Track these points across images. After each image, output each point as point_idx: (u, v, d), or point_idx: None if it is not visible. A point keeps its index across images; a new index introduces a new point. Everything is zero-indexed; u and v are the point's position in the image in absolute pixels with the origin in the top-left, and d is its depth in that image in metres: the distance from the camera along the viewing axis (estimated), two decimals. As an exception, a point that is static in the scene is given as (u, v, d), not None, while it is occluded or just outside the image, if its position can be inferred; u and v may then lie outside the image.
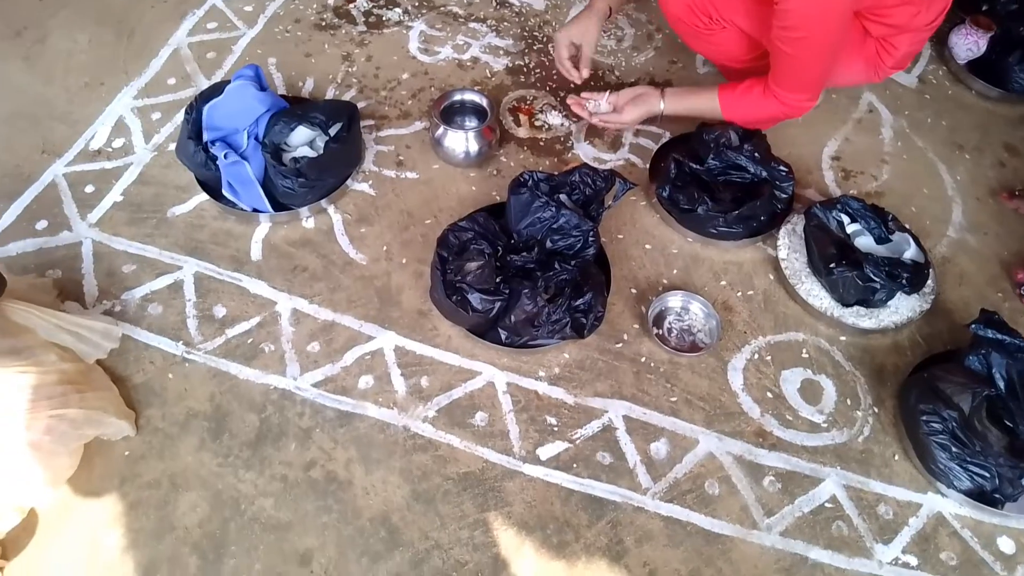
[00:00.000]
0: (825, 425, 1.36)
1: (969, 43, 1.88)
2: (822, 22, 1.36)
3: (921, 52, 1.99)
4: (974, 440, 1.22)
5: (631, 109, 1.66)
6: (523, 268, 1.43)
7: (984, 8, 2.00)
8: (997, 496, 1.24)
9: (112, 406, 1.27)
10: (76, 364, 1.27)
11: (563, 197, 1.50)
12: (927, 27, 1.56)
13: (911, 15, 1.51)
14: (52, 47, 1.94)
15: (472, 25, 2.03)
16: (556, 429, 1.34)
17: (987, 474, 1.22)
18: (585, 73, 1.71)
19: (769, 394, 1.39)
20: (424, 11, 2.06)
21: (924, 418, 1.26)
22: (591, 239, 1.44)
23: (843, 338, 1.46)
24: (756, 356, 1.44)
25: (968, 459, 1.23)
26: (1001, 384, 1.27)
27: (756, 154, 1.57)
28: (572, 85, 1.78)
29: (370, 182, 1.68)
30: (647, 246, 1.60)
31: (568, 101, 1.72)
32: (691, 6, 1.58)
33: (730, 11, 1.55)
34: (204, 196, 1.60)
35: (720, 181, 1.60)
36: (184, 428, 1.32)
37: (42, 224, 1.57)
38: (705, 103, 1.64)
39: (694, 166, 1.61)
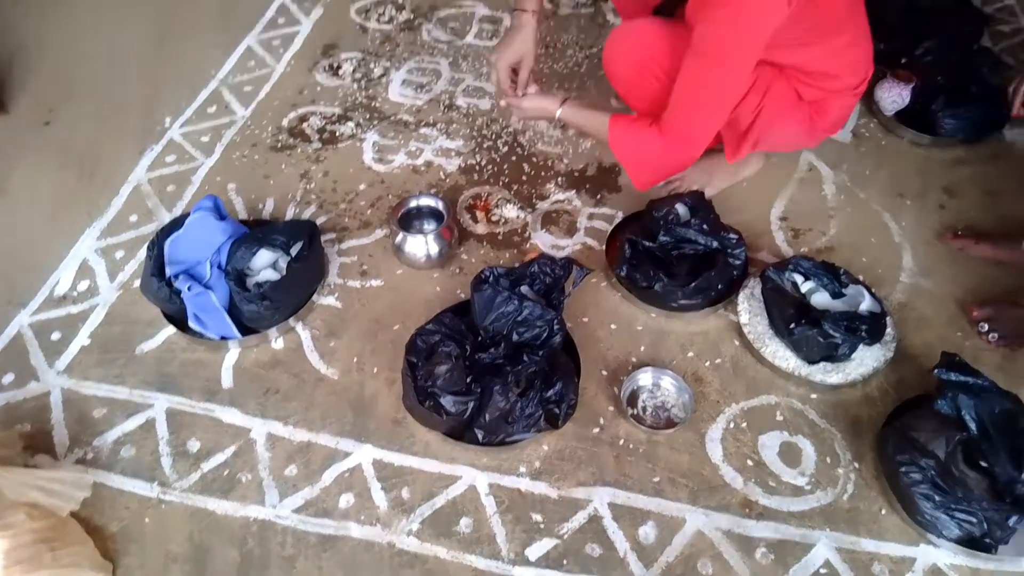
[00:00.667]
0: (809, 487, 1.35)
1: (893, 95, 1.98)
2: (733, 45, 1.40)
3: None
4: (954, 487, 1.23)
5: (532, 99, 1.70)
6: (492, 364, 1.44)
7: (903, 61, 2.11)
8: (988, 541, 1.23)
9: (87, 560, 1.24)
10: (48, 520, 1.25)
11: (524, 289, 1.53)
12: (852, 92, 1.65)
13: (833, 79, 1.60)
14: (14, 197, 1.98)
15: (423, 130, 2.10)
16: (542, 526, 1.32)
17: (974, 519, 1.22)
18: (532, 90, 1.71)
19: (749, 462, 1.39)
20: (376, 122, 2.14)
21: (903, 469, 1.27)
22: (556, 327, 1.46)
23: (814, 396, 1.48)
24: (732, 424, 1.45)
25: (952, 506, 1.23)
26: (973, 426, 1.28)
27: (704, 226, 1.62)
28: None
29: (336, 294, 1.71)
30: (613, 326, 1.62)
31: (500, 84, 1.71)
32: (638, 67, 1.61)
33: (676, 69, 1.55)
34: (172, 329, 1.61)
35: (674, 255, 1.65)
36: (164, 573, 1.29)
37: (8, 378, 1.57)
38: (598, 124, 1.66)
39: (647, 243, 1.65)
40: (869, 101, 2.06)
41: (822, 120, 1.69)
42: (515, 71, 1.69)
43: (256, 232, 1.67)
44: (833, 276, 1.54)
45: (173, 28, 2.51)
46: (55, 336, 1.64)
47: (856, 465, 1.38)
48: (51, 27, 2.54)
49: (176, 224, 1.65)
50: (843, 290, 1.54)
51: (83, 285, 1.75)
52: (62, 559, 1.19)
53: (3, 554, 1.13)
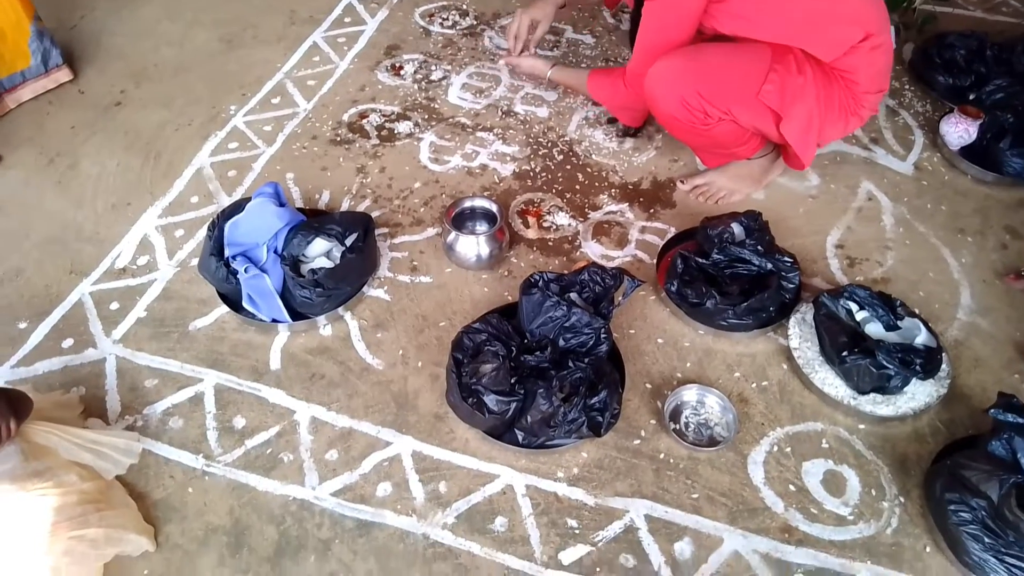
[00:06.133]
0: (851, 518, 1.33)
1: (960, 131, 1.95)
2: None
3: (915, 140, 2.06)
4: (1006, 530, 1.19)
5: (529, 59, 2.06)
6: (537, 368, 1.44)
7: (971, 97, 2.08)
8: (1038, 588, 1.20)
9: (131, 523, 1.27)
10: (96, 482, 1.28)
11: (573, 296, 1.53)
12: (869, 47, 1.63)
13: (836, 38, 1.62)
14: (83, 172, 2.04)
15: (480, 134, 2.13)
16: (577, 532, 1.32)
17: (1024, 565, 1.19)
18: (531, 50, 2.07)
19: (792, 487, 1.37)
20: (433, 123, 2.17)
21: (952, 507, 1.24)
22: (603, 336, 1.46)
23: (862, 427, 1.45)
24: (776, 448, 1.43)
25: (1003, 550, 1.20)
26: (1028, 470, 1.25)
27: (759, 247, 1.61)
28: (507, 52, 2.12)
29: (385, 288, 1.73)
30: (659, 340, 1.62)
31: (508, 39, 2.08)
32: (686, 105, 1.65)
33: (724, 103, 1.63)
34: (225, 309, 1.64)
35: (727, 274, 1.63)
36: (203, 544, 1.31)
37: (68, 342, 1.62)
38: (580, 78, 1.96)
39: (700, 260, 1.65)
40: (934, 135, 2.03)
41: (856, 87, 1.68)
42: (531, 31, 2.05)
43: (313, 221, 1.70)
44: (889, 308, 1.52)
45: (242, 30, 2.58)
46: (113, 306, 1.69)
47: (902, 500, 1.35)
48: (128, 19, 2.63)
49: (237, 207, 1.69)
50: (898, 322, 1.51)
51: (143, 260, 1.80)
52: (108, 520, 1.22)
53: (52, 510, 1.17)
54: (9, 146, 2.12)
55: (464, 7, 2.64)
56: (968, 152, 1.96)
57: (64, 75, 2.30)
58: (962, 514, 1.22)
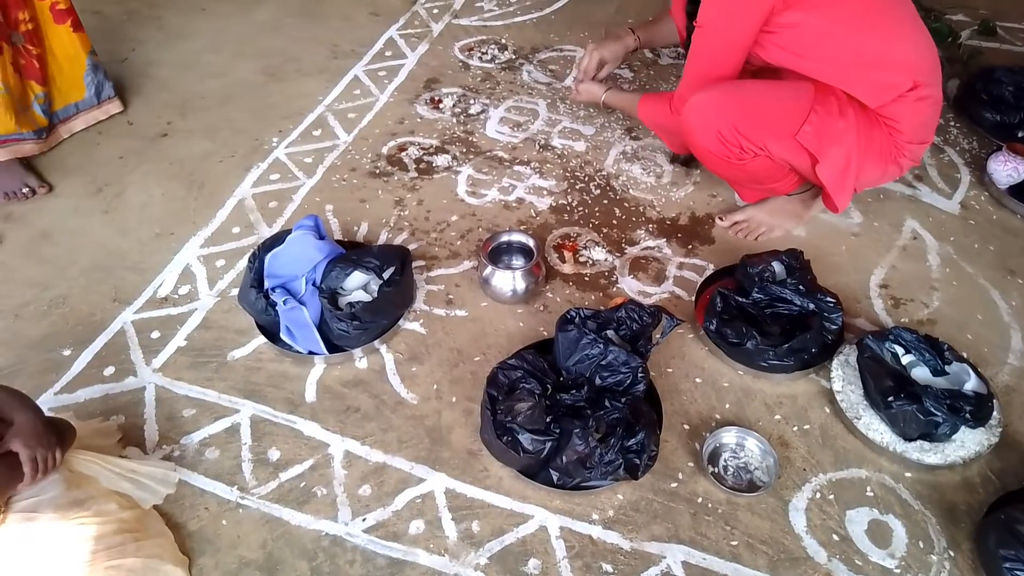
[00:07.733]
0: (898, 571, 1.28)
1: (1008, 169, 1.91)
2: (721, 15, 1.60)
3: (961, 178, 2.01)
4: (1065, 590, 1.14)
5: (584, 84, 2.09)
6: (573, 406, 1.43)
7: (1020, 135, 2.04)
8: (1100, 654, 1.14)
9: (167, 553, 1.27)
10: (134, 511, 1.29)
11: (610, 333, 1.52)
12: (915, 98, 1.61)
13: (882, 83, 1.60)
14: (129, 201, 2.09)
15: (517, 168, 2.14)
16: (612, 577, 1.29)
17: (1085, 628, 1.13)
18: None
19: (835, 536, 1.33)
20: (471, 156, 2.18)
21: (1007, 565, 1.19)
22: (640, 375, 1.44)
23: (908, 474, 1.41)
24: (818, 495, 1.38)
25: (1061, 611, 1.14)
26: (1088, 526, 1.20)
27: (801, 287, 1.58)
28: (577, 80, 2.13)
29: (421, 321, 1.73)
30: (697, 380, 1.59)
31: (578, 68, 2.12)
32: (721, 139, 1.64)
33: (760, 139, 1.62)
34: (262, 339, 1.66)
35: (767, 313, 1.61)
36: (236, 577, 1.31)
37: (109, 370, 1.64)
38: (632, 101, 1.99)
39: (740, 299, 1.62)
40: (981, 173, 1.99)
41: (899, 135, 1.66)
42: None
43: (351, 254, 1.71)
44: (936, 352, 1.48)
45: (284, 62, 2.64)
46: (154, 335, 1.71)
47: (951, 554, 1.30)
48: (175, 51, 2.71)
49: (277, 239, 1.71)
50: (946, 367, 1.47)
51: (184, 289, 1.83)
52: (145, 549, 1.22)
53: (92, 539, 1.17)
54: (60, 175, 2.18)
55: (503, 41, 2.67)
56: (1017, 191, 1.92)
57: (115, 107, 2.37)
58: (1018, 572, 1.17)
